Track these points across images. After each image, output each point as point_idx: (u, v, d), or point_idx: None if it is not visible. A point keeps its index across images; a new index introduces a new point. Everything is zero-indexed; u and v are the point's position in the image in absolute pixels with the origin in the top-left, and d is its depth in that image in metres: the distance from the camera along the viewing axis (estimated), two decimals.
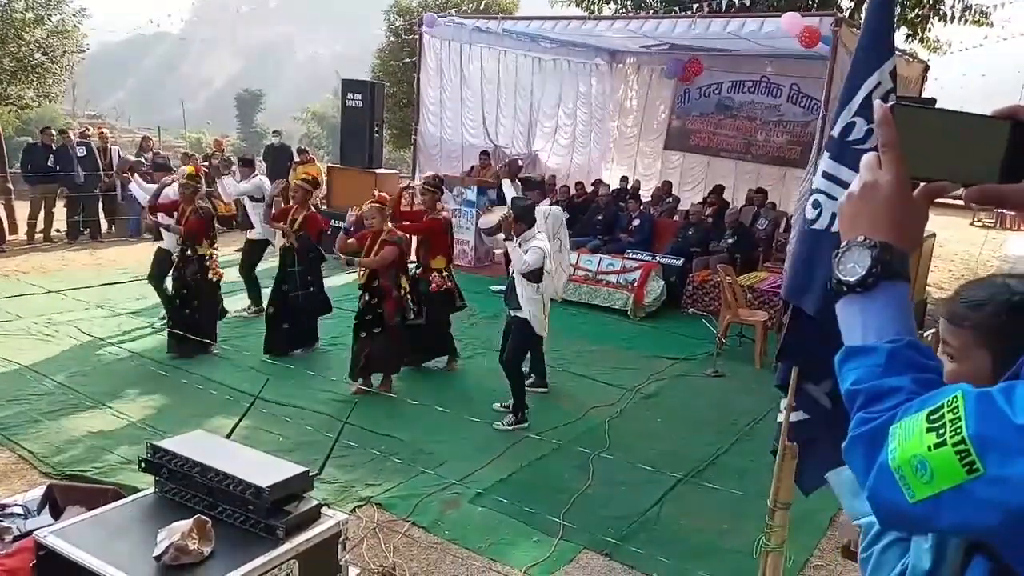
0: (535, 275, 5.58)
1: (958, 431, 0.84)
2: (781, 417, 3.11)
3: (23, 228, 11.81)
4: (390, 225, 6.19)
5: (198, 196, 6.82)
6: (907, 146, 0.99)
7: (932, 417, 0.87)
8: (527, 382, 6.19)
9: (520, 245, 5.60)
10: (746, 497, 4.59)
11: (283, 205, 7.45)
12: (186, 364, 6.55)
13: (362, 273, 6.19)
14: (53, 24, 13.92)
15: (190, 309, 6.76)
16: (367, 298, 6.12)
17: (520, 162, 12.39)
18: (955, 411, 0.85)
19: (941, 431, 0.85)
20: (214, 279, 6.88)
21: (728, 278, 7.98)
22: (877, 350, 0.98)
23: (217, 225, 7.24)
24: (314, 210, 7.31)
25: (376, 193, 6.30)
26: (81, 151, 12.03)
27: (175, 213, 6.97)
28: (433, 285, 6.61)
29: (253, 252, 8.16)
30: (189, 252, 6.73)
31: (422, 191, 6.97)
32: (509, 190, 7.25)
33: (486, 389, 6.45)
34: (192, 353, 6.73)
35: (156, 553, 2.23)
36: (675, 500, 4.78)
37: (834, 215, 2.67)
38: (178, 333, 6.66)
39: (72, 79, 16.98)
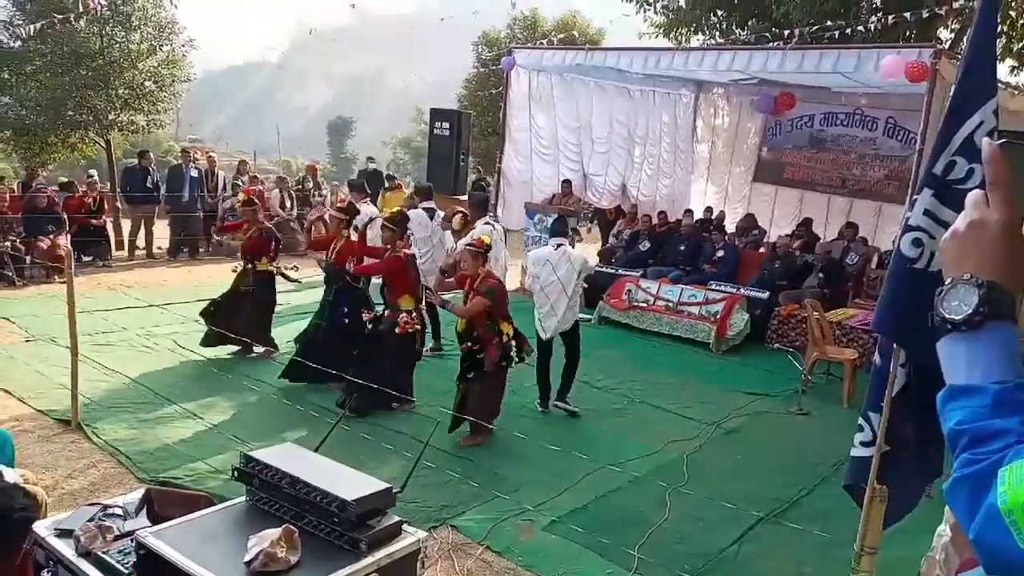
0: None
1: None
2: (855, 451, 3.03)
3: (127, 245, 12.65)
4: (484, 270, 5.86)
5: (258, 216, 7.61)
6: (1017, 184, 0.97)
7: None
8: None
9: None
10: (830, 540, 4.43)
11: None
12: (272, 380, 6.77)
13: (461, 320, 5.91)
14: (164, 54, 14.74)
15: (237, 316, 7.27)
16: (469, 345, 5.82)
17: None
18: None
19: None
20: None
21: (816, 313, 7.76)
22: (984, 390, 0.96)
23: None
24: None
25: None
26: (194, 172, 12.91)
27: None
28: (399, 327, 6.13)
29: None
30: (250, 266, 7.41)
31: (381, 228, 6.35)
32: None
33: (558, 416, 6.46)
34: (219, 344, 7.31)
35: (247, 559, 2.31)
36: (755, 539, 4.65)
37: (934, 253, 2.60)
38: (215, 330, 7.27)
39: (178, 106, 17.93)
